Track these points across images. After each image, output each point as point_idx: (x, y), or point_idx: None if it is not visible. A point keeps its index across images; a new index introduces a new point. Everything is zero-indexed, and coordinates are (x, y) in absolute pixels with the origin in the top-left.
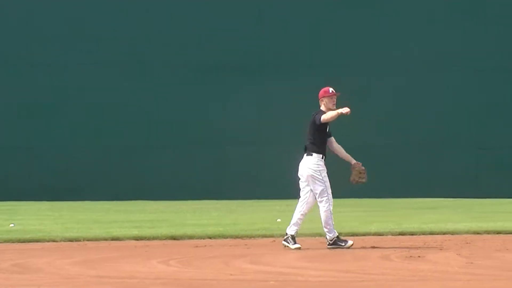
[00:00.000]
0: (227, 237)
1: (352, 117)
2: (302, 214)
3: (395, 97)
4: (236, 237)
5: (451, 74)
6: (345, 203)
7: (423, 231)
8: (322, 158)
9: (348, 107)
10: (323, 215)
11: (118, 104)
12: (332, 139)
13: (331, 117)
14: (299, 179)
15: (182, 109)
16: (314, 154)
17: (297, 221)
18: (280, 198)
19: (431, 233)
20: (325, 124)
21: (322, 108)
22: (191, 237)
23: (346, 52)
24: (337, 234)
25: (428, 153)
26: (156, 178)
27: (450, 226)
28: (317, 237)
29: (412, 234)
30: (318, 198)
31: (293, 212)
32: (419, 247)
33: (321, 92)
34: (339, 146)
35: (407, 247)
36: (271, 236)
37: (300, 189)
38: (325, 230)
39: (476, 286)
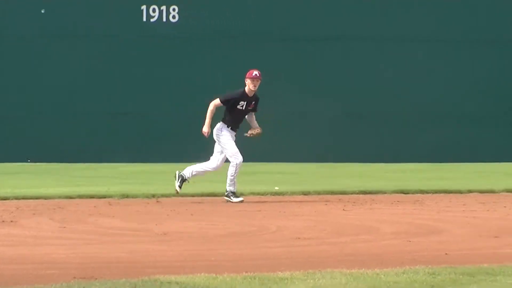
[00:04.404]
0: None
1: None
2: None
3: None
4: None
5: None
6: None
7: (16, 195)
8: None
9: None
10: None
11: None
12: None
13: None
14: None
15: None
16: None
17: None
18: None
19: (24, 198)
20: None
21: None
22: None
23: None
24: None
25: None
26: None
27: (43, 191)
28: None
29: (5, 199)
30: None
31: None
32: (12, 212)
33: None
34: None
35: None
36: None
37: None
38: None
39: (68, 250)
